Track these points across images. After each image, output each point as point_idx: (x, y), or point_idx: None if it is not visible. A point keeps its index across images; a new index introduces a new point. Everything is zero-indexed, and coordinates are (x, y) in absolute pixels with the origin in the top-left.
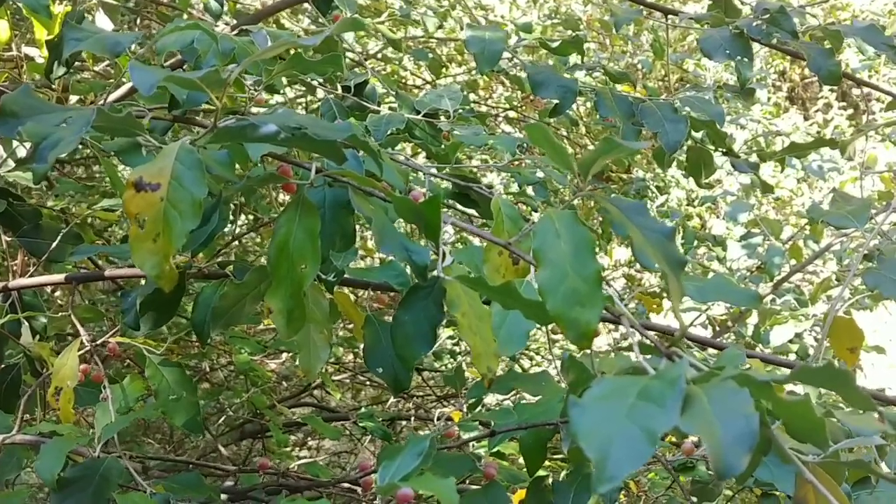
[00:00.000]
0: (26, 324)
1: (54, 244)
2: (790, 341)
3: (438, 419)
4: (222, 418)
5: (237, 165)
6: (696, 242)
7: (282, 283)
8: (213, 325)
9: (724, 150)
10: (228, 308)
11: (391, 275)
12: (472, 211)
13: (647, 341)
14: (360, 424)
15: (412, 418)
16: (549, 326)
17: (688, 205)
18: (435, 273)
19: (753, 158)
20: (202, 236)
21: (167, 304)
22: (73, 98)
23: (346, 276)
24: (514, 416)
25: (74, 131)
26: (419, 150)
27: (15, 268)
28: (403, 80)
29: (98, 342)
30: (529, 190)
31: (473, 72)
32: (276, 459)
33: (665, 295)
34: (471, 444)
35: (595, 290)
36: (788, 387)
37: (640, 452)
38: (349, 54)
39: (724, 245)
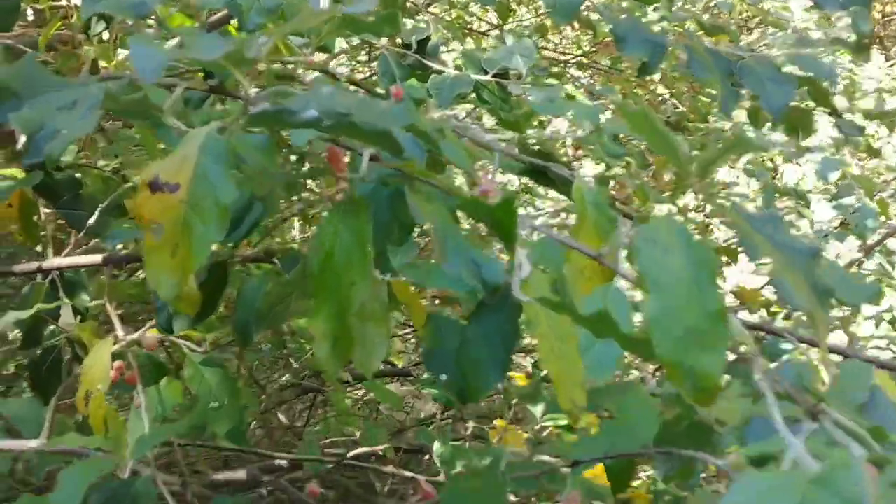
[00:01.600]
0: (67, 303)
1: (93, 218)
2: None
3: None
4: (285, 376)
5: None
6: (776, 196)
7: (325, 302)
8: (257, 326)
9: (829, 111)
10: (273, 306)
11: (454, 280)
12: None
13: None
14: (423, 390)
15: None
16: None
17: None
18: (511, 290)
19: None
20: (242, 225)
21: (205, 303)
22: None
23: (402, 278)
24: (598, 442)
25: (77, 117)
26: (482, 111)
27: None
28: (469, 25)
29: (135, 336)
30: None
31: (542, 16)
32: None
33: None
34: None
35: (719, 327)
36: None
37: None
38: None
39: (808, 201)
